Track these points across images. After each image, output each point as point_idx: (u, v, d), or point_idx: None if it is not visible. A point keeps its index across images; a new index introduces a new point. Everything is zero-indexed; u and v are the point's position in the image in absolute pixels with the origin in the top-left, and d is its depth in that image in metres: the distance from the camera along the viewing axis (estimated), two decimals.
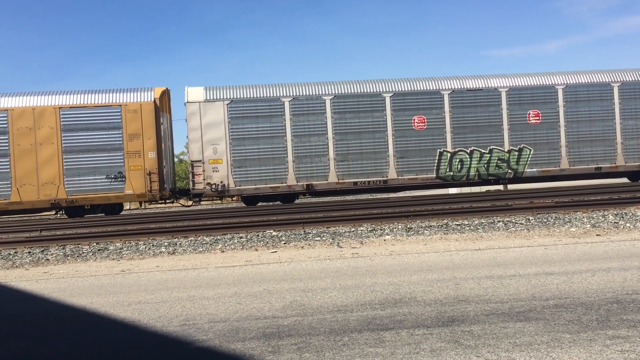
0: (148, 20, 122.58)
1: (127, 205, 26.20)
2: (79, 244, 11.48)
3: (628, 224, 10.32)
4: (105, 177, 18.68)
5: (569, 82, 20.29)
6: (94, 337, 4.87)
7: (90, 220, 17.28)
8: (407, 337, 4.30)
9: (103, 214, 19.38)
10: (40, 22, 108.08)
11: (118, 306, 5.92)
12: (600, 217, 11.20)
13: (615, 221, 10.69)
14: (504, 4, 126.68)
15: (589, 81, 20.37)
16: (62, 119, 18.57)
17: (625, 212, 11.67)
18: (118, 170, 18.72)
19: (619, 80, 20.40)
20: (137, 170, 18.72)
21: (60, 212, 20.00)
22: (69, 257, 10.12)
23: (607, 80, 20.39)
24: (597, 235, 9.43)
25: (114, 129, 18.75)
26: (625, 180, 21.77)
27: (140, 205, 24.30)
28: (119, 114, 18.77)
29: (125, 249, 10.60)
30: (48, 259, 10.04)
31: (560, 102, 20.18)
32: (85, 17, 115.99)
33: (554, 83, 20.27)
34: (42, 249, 11.15)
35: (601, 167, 20.27)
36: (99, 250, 10.63)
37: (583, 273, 6.27)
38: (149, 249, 10.46)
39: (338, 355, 3.96)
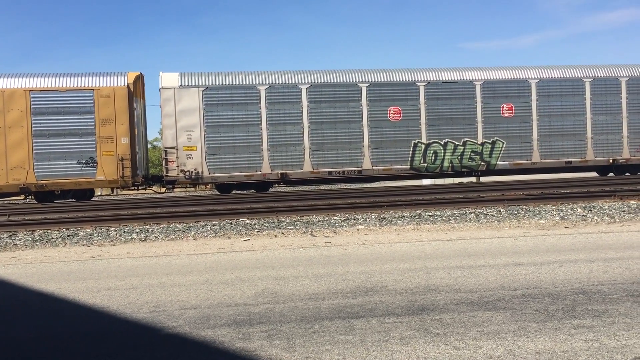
0: (122, 3, 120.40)
1: (98, 191, 25.85)
2: (48, 230, 11.30)
3: (596, 217, 10.53)
4: (76, 162, 18.38)
5: (542, 77, 20.54)
6: (62, 322, 4.81)
7: (61, 205, 17.02)
8: (377, 325, 4.34)
9: (74, 200, 19.09)
10: (10, 4, 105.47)
11: (87, 292, 5.85)
12: (569, 210, 11.41)
13: (584, 214, 10.90)
14: None
15: (562, 76, 20.66)
16: (32, 102, 18.19)
17: (593, 206, 11.91)
18: (90, 155, 18.43)
19: (590, 75, 20.72)
20: (109, 156, 18.45)
21: (30, 197, 19.64)
22: (37, 243, 9.96)
23: (579, 76, 20.70)
24: (565, 227, 9.61)
25: (85, 114, 18.43)
26: (594, 174, 22.18)
27: (112, 192, 24.00)
28: (91, 98, 18.45)
29: (95, 235, 10.47)
30: (16, 244, 9.87)
31: (534, 96, 20.43)
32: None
33: (527, 77, 20.50)
34: (10, 233, 10.95)
35: (571, 161, 20.61)
36: (68, 236, 10.48)
37: (551, 264, 6.38)
38: (120, 235, 10.35)
39: (308, 342, 3.98)
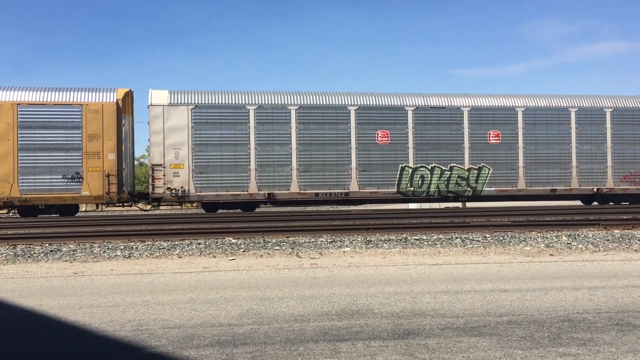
0: (113, 20, 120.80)
1: (83, 207, 25.61)
2: (30, 244, 11.15)
3: (580, 245, 10.59)
4: (61, 177, 18.23)
5: (528, 105, 20.81)
6: (42, 339, 4.72)
7: (44, 220, 16.82)
8: (362, 348, 4.30)
9: (58, 215, 18.89)
10: (0, 17, 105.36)
11: (69, 309, 5.76)
12: (554, 238, 11.47)
13: (569, 242, 10.96)
14: (471, 25, 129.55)
15: (548, 105, 20.94)
16: (19, 116, 18.08)
17: (578, 234, 11.99)
18: (75, 170, 18.30)
19: (576, 105, 21.03)
20: (95, 172, 18.33)
21: (13, 211, 19.40)
22: (19, 257, 9.81)
23: (565, 105, 21.00)
24: (550, 254, 9.65)
25: (73, 129, 18.35)
26: (579, 203, 22.39)
27: (97, 208, 23.77)
28: (80, 113, 18.38)
29: (79, 251, 10.34)
30: None
31: (520, 124, 20.67)
32: (48, 13, 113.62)
33: (514, 105, 20.76)
34: None
35: (556, 189, 20.80)
36: (51, 251, 10.34)
37: (536, 291, 6.39)
38: (104, 252, 10.23)
39: None
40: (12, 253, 10.18)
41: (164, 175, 18.74)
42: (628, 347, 4.30)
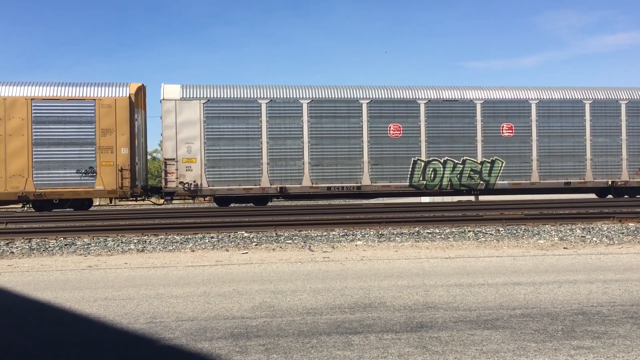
0: (124, 14, 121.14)
1: (96, 201, 25.81)
2: (45, 238, 11.26)
3: (595, 239, 10.52)
4: (75, 171, 18.36)
5: (542, 98, 20.63)
6: (58, 331, 4.77)
7: (58, 214, 16.97)
8: (375, 341, 4.31)
9: (72, 209, 19.05)
10: (13, 11, 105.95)
11: (83, 302, 5.81)
12: (568, 231, 11.39)
13: (583, 235, 10.89)
14: (483, 16, 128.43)
15: (562, 97, 20.74)
16: (33, 111, 18.21)
17: (592, 227, 11.90)
18: (89, 165, 18.42)
19: (590, 97, 20.81)
20: (108, 166, 18.44)
21: (28, 205, 19.60)
22: (34, 251, 9.92)
23: (580, 98, 20.79)
24: (564, 248, 9.59)
25: (86, 123, 18.45)
26: (593, 196, 22.19)
27: (111, 202, 23.93)
28: (93, 108, 18.48)
29: (93, 244, 10.43)
30: (13, 252, 9.82)
31: (533, 117, 20.50)
32: (60, 8, 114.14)
33: (528, 98, 20.59)
34: (7, 241, 10.90)
35: (570, 182, 20.63)
36: (66, 245, 10.44)
37: (550, 284, 6.36)
38: (118, 245, 10.31)
39: (306, 357, 3.95)
40: (27, 247, 10.29)
41: (176, 169, 18.81)
42: None
